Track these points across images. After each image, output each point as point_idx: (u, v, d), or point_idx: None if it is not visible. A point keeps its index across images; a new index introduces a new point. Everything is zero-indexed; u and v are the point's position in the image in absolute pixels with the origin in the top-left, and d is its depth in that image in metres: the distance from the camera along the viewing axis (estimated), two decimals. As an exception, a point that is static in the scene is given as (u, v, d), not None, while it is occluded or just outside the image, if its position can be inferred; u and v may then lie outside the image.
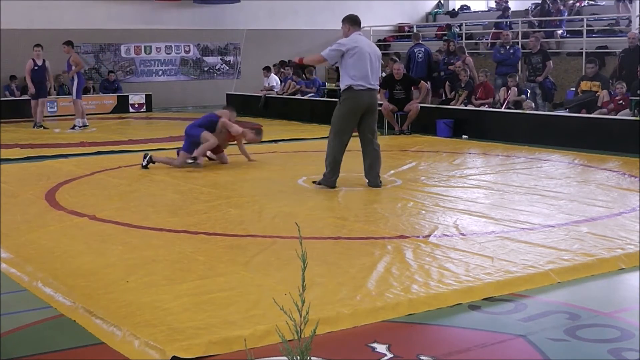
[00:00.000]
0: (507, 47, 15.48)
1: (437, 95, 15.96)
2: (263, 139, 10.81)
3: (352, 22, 8.25)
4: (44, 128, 15.27)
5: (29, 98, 15.69)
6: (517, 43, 17.50)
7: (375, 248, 5.70)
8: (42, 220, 6.90)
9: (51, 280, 4.96)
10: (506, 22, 19.96)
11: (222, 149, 10.19)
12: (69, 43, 15.04)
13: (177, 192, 8.30)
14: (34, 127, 15.30)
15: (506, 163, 10.15)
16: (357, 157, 9.85)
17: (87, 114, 16.19)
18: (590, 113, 12.12)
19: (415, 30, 21.92)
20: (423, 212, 7.05)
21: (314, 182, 8.46)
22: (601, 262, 5.29)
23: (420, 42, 15.80)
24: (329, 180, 8.24)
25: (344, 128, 8.19)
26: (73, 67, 14.87)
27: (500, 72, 15.20)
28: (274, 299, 3.15)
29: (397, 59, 16.18)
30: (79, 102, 15.11)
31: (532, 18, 19.55)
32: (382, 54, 25.49)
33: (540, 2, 19.77)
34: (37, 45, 15.21)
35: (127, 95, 20.12)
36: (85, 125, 15.20)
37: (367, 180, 8.38)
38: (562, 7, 18.91)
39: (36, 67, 15.14)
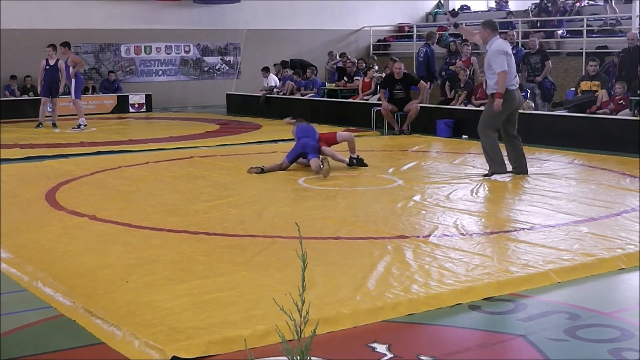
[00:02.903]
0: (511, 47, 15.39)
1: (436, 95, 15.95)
2: (262, 139, 10.77)
3: (492, 27, 8.74)
4: (41, 126, 15.32)
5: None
6: (517, 43, 17.48)
7: (375, 248, 5.70)
8: (42, 220, 6.90)
9: (51, 280, 4.96)
10: (506, 22, 19.92)
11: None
12: (65, 44, 15.11)
13: (177, 192, 8.30)
14: (52, 126, 15.37)
15: (506, 163, 10.12)
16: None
17: (86, 114, 16.23)
18: (586, 113, 12.10)
19: (415, 30, 21.92)
20: (423, 212, 7.05)
21: (484, 175, 8.83)
22: (601, 262, 5.29)
23: (429, 42, 15.77)
24: (501, 167, 8.72)
25: (496, 125, 8.71)
26: (71, 68, 14.91)
27: None
28: (274, 299, 3.15)
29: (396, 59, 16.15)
30: (79, 102, 15.18)
31: (533, 18, 19.53)
32: (382, 54, 25.32)
33: (539, 1, 19.76)
34: (50, 45, 15.37)
35: (127, 95, 20.12)
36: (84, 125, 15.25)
37: (513, 168, 8.92)
38: (567, 6, 18.86)
39: (48, 67, 15.24)
